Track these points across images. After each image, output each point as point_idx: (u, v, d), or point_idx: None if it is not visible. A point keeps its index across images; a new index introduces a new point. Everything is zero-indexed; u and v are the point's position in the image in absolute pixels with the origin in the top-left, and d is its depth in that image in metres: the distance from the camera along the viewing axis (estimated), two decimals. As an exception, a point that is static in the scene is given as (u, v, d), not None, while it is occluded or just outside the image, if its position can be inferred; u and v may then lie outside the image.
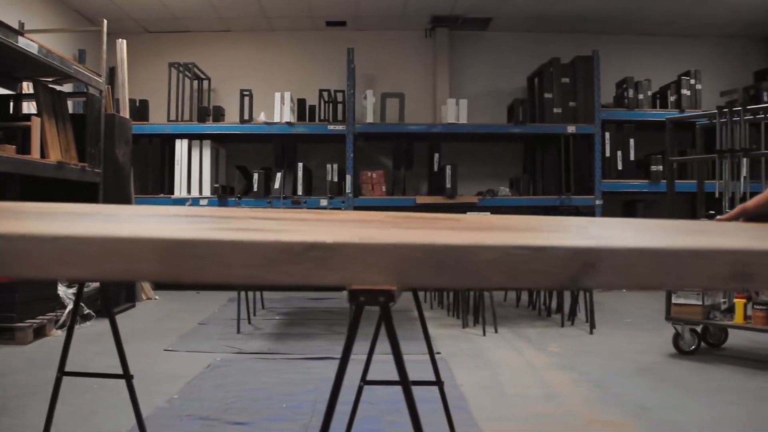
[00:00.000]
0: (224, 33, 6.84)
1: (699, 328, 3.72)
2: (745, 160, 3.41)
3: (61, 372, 2.08)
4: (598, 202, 5.97)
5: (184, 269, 0.49)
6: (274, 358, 3.58)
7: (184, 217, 0.89)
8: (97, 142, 4.88)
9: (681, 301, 3.61)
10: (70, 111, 5.29)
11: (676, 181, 5.66)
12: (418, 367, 3.42)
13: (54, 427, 2.06)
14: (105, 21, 4.98)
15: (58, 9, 6.06)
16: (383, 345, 4.13)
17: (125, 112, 5.32)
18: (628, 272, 0.52)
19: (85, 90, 4.96)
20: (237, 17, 6.46)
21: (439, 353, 3.67)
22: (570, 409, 2.69)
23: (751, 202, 0.98)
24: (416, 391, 2.95)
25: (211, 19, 6.49)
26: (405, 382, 1.30)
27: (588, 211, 6.13)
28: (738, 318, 3.50)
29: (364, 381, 2.10)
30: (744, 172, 3.32)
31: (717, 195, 3.46)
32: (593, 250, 0.52)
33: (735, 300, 3.50)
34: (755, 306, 3.44)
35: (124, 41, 5.30)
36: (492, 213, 5.65)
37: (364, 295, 1.31)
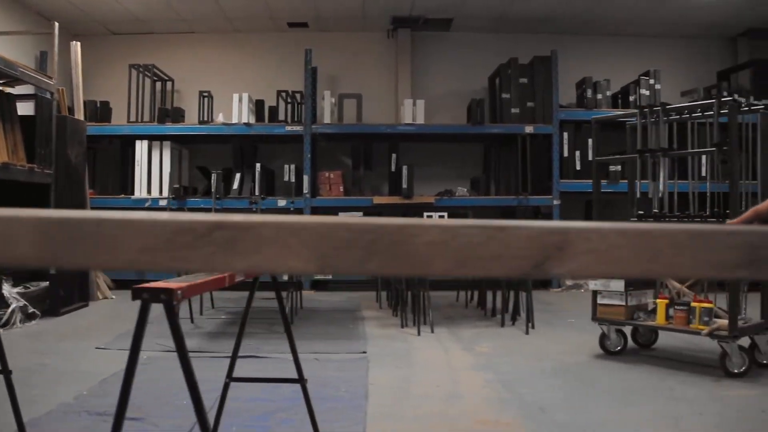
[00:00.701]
0: (188, 34, 6.88)
1: (628, 329, 3.73)
2: (665, 159, 3.41)
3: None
4: (555, 202, 5.97)
5: (64, 253, 0.42)
6: (200, 357, 3.61)
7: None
8: (47, 143, 4.93)
9: (606, 301, 3.62)
10: (31, 113, 5.35)
11: (623, 180, 5.67)
12: (338, 366, 3.46)
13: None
14: (56, 24, 5.03)
15: (20, 12, 6.12)
16: (321, 344, 4.09)
17: (80, 114, 5.37)
18: (606, 257, 0.43)
19: (37, 93, 5.01)
20: (199, 19, 6.50)
21: (364, 352, 3.70)
22: (466, 409, 2.71)
23: (764, 205, 0.92)
24: (322, 390, 2.96)
25: (174, 21, 6.54)
26: (191, 379, 1.33)
27: (547, 211, 6.13)
28: (660, 319, 3.50)
29: (230, 378, 2.13)
30: (662, 171, 3.32)
31: (638, 195, 3.46)
32: (564, 230, 0.43)
33: (657, 300, 3.50)
34: (676, 307, 3.44)
35: (78, 44, 5.35)
36: (449, 213, 5.68)
37: (148, 293, 1.33)
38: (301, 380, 2.10)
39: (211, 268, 0.43)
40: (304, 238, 0.42)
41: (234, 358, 2.15)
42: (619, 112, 6.10)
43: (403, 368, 3.37)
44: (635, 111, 3.50)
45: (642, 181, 3.56)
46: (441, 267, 0.43)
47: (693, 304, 3.36)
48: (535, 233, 0.43)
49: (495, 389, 2.97)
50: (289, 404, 2.77)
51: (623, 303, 3.56)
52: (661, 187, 3.36)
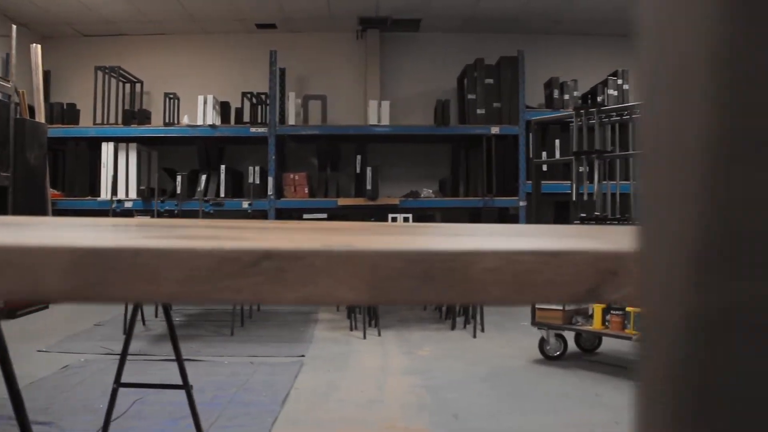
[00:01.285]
0: (159, 36, 6.88)
1: (570, 334, 3.69)
2: (602, 161, 3.37)
3: None
4: (522, 203, 5.93)
5: (100, 286, 0.40)
6: (137, 360, 3.61)
7: (114, 226, 0.77)
8: (5, 146, 4.94)
9: (544, 305, 3.59)
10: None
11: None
12: (270, 370, 3.45)
13: None
14: (14, 27, 5.05)
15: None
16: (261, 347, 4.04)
17: (41, 117, 5.39)
18: None
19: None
20: (166, 21, 6.50)
21: (302, 356, 3.68)
22: (381, 415, 2.69)
23: None
24: (244, 395, 2.94)
25: (143, 22, 6.54)
26: (12, 389, 1.31)
27: (514, 213, 6.09)
28: (596, 323, 3.46)
29: (118, 383, 2.12)
30: (597, 173, 3.28)
31: (574, 197, 3.42)
32: (617, 255, 0.43)
33: (595, 305, 3.46)
34: (612, 311, 3.40)
35: (38, 46, 5.36)
36: (415, 215, 5.64)
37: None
38: (185, 386, 2.09)
39: (260, 299, 0.42)
40: (355, 268, 0.42)
41: (122, 364, 2.14)
42: (565, 113, 6.03)
43: (334, 372, 3.35)
44: (572, 112, 3.46)
45: (578, 183, 3.52)
46: (498, 294, 0.43)
47: (628, 308, 3.32)
48: (589, 258, 0.43)
49: (419, 395, 2.95)
50: (200, 408, 2.76)
51: (561, 307, 3.53)
52: (594, 189, 3.32)
